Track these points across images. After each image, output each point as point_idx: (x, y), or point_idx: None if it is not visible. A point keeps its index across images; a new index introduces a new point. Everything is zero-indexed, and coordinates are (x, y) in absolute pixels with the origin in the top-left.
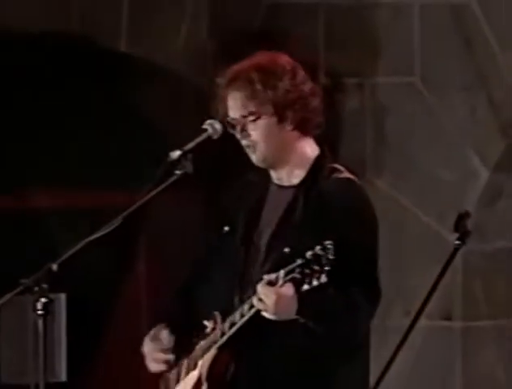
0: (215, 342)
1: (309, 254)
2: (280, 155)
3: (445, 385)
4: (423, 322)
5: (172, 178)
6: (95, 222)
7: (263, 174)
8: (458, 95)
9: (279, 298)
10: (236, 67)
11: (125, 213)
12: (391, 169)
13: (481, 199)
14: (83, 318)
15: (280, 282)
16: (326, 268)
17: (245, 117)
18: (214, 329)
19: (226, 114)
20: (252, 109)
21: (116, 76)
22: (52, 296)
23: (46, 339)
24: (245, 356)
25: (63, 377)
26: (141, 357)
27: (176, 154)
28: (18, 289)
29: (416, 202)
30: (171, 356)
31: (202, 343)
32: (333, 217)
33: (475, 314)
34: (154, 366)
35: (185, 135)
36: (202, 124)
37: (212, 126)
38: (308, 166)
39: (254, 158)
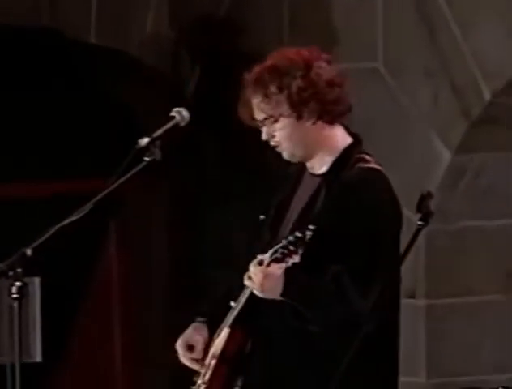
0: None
1: (290, 236)
2: (307, 149)
3: (410, 358)
4: None
5: (141, 165)
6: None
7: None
8: (420, 80)
9: (265, 277)
10: (253, 70)
11: (95, 199)
12: None
13: (444, 181)
14: (56, 301)
15: (266, 261)
16: (300, 250)
17: (264, 120)
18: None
19: (251, 117)
20: (269, 112)
21: (85, 67)
22: (26, 280)
23: (21, 322)
24: (255, 335)
25: (38, 357)
26: (113, 337)
27: (144, 141)
28: None
29: None
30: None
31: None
32: (347, 207)
33: (438, 292)
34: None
35: (154, 122)
36: (170, 111)
37: (180, 114)
38: (337, 155)
39: (284, 156)
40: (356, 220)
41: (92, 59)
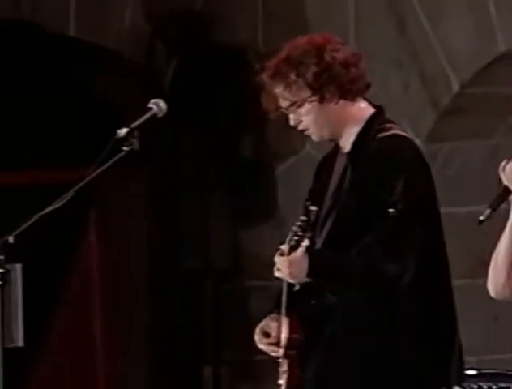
0: None
1: (298, 222)
2: (334, 127)
3: None
4: None
5: (120, 154)
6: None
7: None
8: (391, 70)
9: (290, 265)
10: (270, 64)
11: (75, 187)
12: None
13: None
14: (37, 287)
15: (286, 251)
16: (308, 234)
17: (289, 107)
18: None
19: (273, 106)
20: (292, 99)
21: (65, 60)
22: (8, 266)
23: (3, 307)
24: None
25: (20, 342)
26: (93, 323)
27: (123, 131)
28: None
29: None
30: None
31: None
32: (372, 178)
33: None
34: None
35: (133, 113)
36: (147, 102)
37: (157, 105)
38: (362, 125)
39: (314, 138)
40: (382, 189)
41: (72, 52)
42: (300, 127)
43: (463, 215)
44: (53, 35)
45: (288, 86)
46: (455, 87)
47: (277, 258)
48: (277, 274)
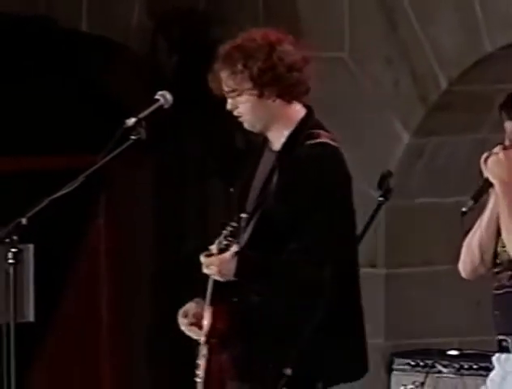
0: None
1: (228, 227)
2: (266, 122)
3: (370, 322)
4: None
5: (128, 143)
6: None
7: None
8: (382, 68)
9: (221, 264)
10: (225, 47)
11: (85, 173)
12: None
13: (403, 161)
14: (48, 266)
15: (215, 252)
16: (236, 240)
17: (230, 92)
18: None
19: (216, 86)
20: (234, 86)
21: (77, 54)
22: (21, 246)
23: (16, 285)
24: (232, 309)
25: (31, 318)
26: (100, 300)
27: (131, 121)
28: None
29: None
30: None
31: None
32: (295, 184)
33: (397, 262)
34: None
35: (141, 104)
36: (151, 91)
37: (164, 97)
38: (292, 128)
39: (245, 126)
40: (304, 197)
41: (84, 45)
42: (235, 113)
43: (448, 205)
44: (66, 29)
45: (233, 73)
46: (443, 84)
47: (203, 258)
48: (205, 271)
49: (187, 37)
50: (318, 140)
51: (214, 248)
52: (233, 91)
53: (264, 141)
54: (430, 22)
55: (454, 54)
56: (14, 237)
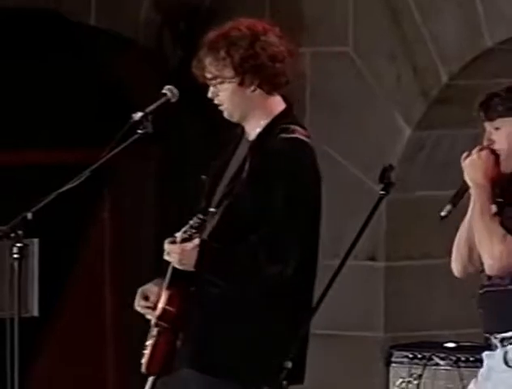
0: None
1: (195, 218)
2: (245, 113)
3: (370, 315)
4: (351, 261)
5: (134, 137)
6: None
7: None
8: (385, 63)
9: (181, 253)
10: (209, 34)
11: (92, 167)
12: (326, 127)
13: (404, 154)
14: (53, 261)
15: (178, 240)
16: (200, 233)
17: (211, 79)
18: None
19: (202, 75)
20: (215, 73)
21: (86, 47)
22: (26, 241)
23: (21, 280)
24: (189, 295)
25: (35, 312)
26: (104, 294)
27: (138, 115)
28: None
29: (346, 156)
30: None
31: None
32: (266, 176)
33: (396, 256)
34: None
35: (148, 98)
36: (156, 84)
37: (171, 91)
38: (269, 120)
39: (225, 115)
40: (273, 189)
41: (92, 38)
42: (216, 101)
43: (448, 199)
44: (75, 23)
45: (215, 60)
46: (444, 79)
47: (167, 245)
48: (166, 257)
49: (193, 32)
50: (293, 135)
51: (178, 236)
52: (215, 78)
53: (242, 131)
54: (432, 17)
55: (455, 49)
56: (19, 232)
